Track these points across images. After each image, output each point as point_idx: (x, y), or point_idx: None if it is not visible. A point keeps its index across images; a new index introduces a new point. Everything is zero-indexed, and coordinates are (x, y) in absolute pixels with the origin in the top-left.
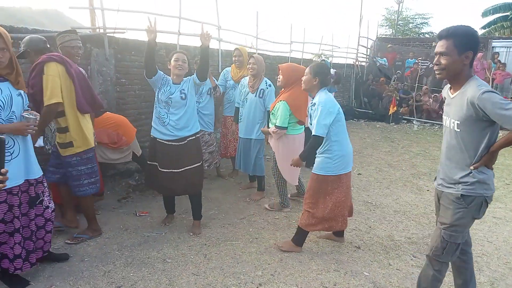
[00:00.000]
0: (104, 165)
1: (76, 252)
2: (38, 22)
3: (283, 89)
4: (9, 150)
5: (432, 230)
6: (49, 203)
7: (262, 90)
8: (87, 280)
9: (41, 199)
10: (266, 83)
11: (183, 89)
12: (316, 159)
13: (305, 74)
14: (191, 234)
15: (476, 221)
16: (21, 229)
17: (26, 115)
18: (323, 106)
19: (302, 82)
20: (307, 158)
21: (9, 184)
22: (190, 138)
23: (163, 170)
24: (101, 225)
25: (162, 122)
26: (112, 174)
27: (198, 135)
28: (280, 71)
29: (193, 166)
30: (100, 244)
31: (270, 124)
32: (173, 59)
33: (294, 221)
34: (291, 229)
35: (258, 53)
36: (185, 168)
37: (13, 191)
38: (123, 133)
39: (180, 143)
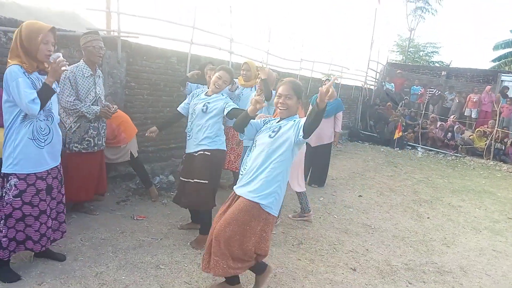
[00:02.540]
0: (107, 165)
1: (70, 251)
2: (54, 23)
3: None
4: (45, 137)
5: (430, 258)
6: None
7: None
8: (79, 279)
9: (55, 187)
10: (271, 92)
11: (209, 102)
12: None
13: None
14: (189, 245)
15: (475, 251)
16: (48, 212)
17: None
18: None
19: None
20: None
21: (37, 169)
22: (201, 152)
23: (181, 178)
24: (97, 226)
25: (188, 136)
26: (113, 176)
27: (210, 153)
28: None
29: (198, 181)
30: (95, 244)
31: None
32: (216, 74)
33: (291, 237)
34: (287, 245)
35: (269, 68)
36: (194, 180)
37: (43, 176)
38: (123, 130)
39: (195, 154)
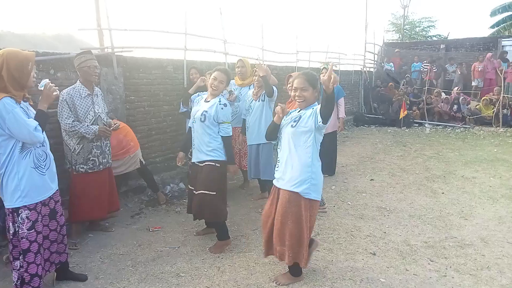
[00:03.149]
0: (117, 181)
1: (90, 270)
2: (52, 46)
3: (290, 99)
4: (44, 163)
5: (449, 233)
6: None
7: (264, 94)
8: None
9: (59, 211)
10: (272, 88)
11: (206, 111)
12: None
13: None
14: (208, 250)
15: (494, 221)
16: (53, 236)
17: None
18: None
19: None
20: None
21: (44, 196)
22: (208, 163)
23: (189, 186)
24: (114, 242)
25: (192, 145)
26: (124, 190)
27: (220, 165)
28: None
29: (206, 192)
30: (114, 261)
31: None
32: (212, 76)
33: None
34: None
35: (265, 64)
36: (199, 191)
37: (46, 202)
38: (131, 139)
39: (200, 164)
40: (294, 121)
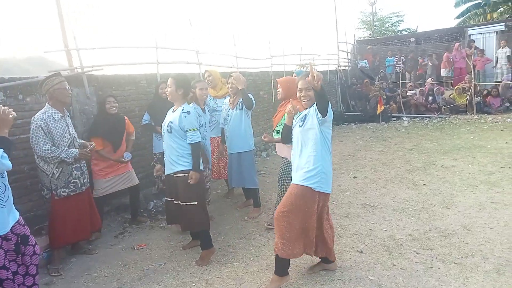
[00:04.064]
0: (99, 201)
1: None
2: (24, 70)
3: (282, 102)
4: (4, 195)
5: (433, 223)
6: (35, 245)
7: (241, 102)
8: None
9: (29, 239)
10: (251, 100)
11: (172, 122)
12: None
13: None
14: (195, 264)
15: (475, 208)
16: (19, 269)
17: None
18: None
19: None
20: None
21: (5, 230)
22: (180, 175)
23: (166, 198)
24: (99, 264)
25: (164, 155)
26: (107, 210)
27: (186, 174)
28: (279, 85)
29: (189, 203)
30: (99, 283)
31: (276, 134)
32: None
33: None
34: None
35: (240, 71)
36: (184, 203)
37: (8, 237)
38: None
39: (174, 175)
40: (301, 120)
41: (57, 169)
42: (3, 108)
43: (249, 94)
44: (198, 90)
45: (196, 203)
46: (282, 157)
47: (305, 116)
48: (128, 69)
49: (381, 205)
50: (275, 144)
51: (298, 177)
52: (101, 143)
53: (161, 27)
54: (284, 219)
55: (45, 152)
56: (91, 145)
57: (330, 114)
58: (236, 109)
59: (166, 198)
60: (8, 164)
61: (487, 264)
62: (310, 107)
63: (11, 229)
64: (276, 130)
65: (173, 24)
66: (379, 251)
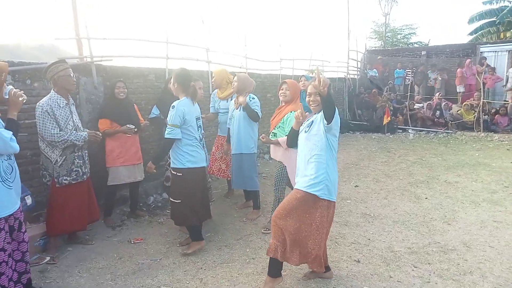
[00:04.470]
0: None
1: (68, 285)
2: (35, 57)
3: (284, 103)
4: (11, 176)
5: (433, 238)
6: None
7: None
8: None
9: (22, 226)
10: (250, 96)
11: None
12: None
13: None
14: (178, 245)
15: (476, 225)
16: (12, 253)
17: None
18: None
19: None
20: None
21: (10, 210)
22: (174, 172)
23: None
24: (94, 255)
25: None
26: (103, 202)
27: (181, 174)
28: (287, 86)
29: (172, 200)
30: (93, 275)
31: (273, 137)
32: None
33: None
34: None
35: (248, 73)
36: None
37: (6, 217)
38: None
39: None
40: (307, 127)
41: (61, 157)
42: (14, 90)
43: (255, 98)
44: (197, 89)
45: (179, 201)
46: (277, 161)
47: (312, 122)
48: (137, 61)
49: (381, 216)
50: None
51: (303, 183)
52: (108, 124)
53: (173, 22)
54: (282, 221)
55: (54, 136)
56: (97, 134)
57: (337, 122)
58: (240, 110)
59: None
60: (16, 147)
61: (486, 283)
62: (318, 112)
63: (13, 213)
64: (273, 132)
65: (184, 20)
66: (377, 262)
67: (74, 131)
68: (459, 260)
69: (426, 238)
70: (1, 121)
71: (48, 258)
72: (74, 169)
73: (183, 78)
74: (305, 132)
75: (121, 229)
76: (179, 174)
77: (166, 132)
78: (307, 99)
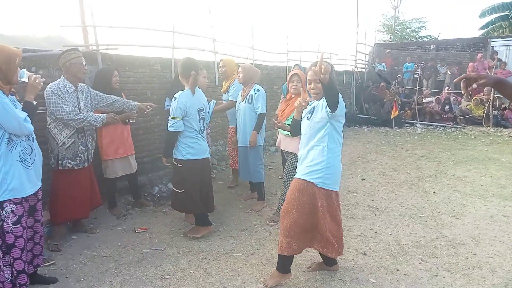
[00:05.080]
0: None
1: (72, 273)
2: (41, 47)
3: (293, 96)
4: (30, 157)
5: (441, 232)
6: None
7: (251, 96)
8: None
9: (39, 209)
10: (255, 88)
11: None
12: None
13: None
14: (183, 233)
15: (485, 220)
16: (30, 235)
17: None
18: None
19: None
20: None
21: (30, 191)
22: (175, 163)
23: None
24: (98, 243)
25: None
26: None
27: (182, 165)
28: (299, 78)
29: (174, 189)
30: (97, 263)
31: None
32: None
33: None
34: None
35: (255, 64)
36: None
37: (27, 197)
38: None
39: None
40: (309, 113)
41: (69, 139)
42: (34, 75)
43: (260, 90)
44: (202, 78)
45: (182, 191)
46: (290, 152)
47: (314, 108)
48: (142, 51)
49: (388, 209)
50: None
51: (301, 171)
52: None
53: (179, 11)
54: (289, 215)
55: (70, 114)
56: (147, 107)
57: (342, 108)
58: (245, 102)
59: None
60: (30, 127)
61: (495, 278)
62: (320, 99)
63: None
64: (286, 124)
65: (191, 9)
66: (383, 255)
67: (92, 113)
68: (467, 254)
69: (434, 232)
70: (19, 103)
71: (52, 262)
72: (79, 154)
73: (183, 68)
74: (307, 119)
75: (125, 218)
76: (180, 165)
77: (168, 125)
78: (308, 86)
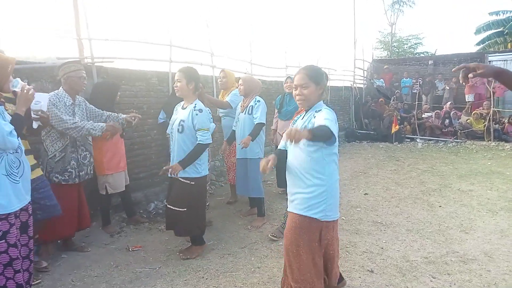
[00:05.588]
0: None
1: None
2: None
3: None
4: (18, 170)
5: (450, 247)
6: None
7: (251, 107)
8: None
9: (31, 225)
10: (256, 99)
11: (183, 120)
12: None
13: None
14: (178, 254)
15: (496, 234)
16: (25, 252)
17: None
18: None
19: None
20: None
21: (17, 206)
22: (183, 180)
23: (166, 202)
24: (89, 262)
25: (171, 156)
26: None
27: (194, 182)
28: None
29: (175, 208)
30: (87, 283)
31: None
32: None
33: None
34: None
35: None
36: (168, 206)
37: (17, 213)
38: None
39: (178, 178)
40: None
41: (60, 152)
42: (27, 87)
43: (260, 101)
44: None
45: (184, 210)
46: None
47: (305, 128)
48: (139, 64)
49: (393, 224)
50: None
51: (298, 204)
52: None
53: (177, 25)
54: (295, 259)
55: (67, 123)
56: (132, 118)
57: (336, 130)
58: (245, 113)
59: (166, 202)
60: (15, 142)
61: None
62: (310, 115)
63: (24, 208)
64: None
65: (189, 23)
66: (391, 272)
67: (91, 122)
68: (481, 271)
69: (443, 247)
70: (8, 114)
71: (38, 281)
72: (68, 169)
73: (197, 77)
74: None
75: (119, 236)
76: (192, 183)
77: (203, 137)
78: (293, 92)
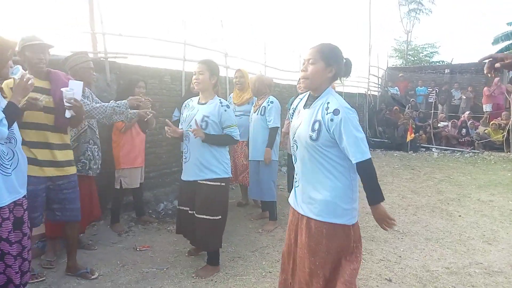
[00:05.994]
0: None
1: None
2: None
3: None
4: (10, 162)
5: (473, 258)
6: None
7: (264, 108)
8: None
9: (26, 221)
10: (269, 100)
11: (207, 116)
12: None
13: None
14: (193, 276)
15: (509, 243)
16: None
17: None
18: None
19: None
20: None
21: (7, 200)
22: (209, 183)
23: (180, 207)
24: (96, 261)
25: (185, 158)
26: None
27: (225, 183)
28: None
29: (210, 218)
30: (92, 282)
31: None
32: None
33: None
34: None
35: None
36: (201, 217)
37: (10, 207)
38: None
39: (199, 182)
40: (313, 131)
41: (73, 142)
42: (28, 75)
43: (273, 102)
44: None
45: (220, 217)
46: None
47: (319, 124)
48: (152, 61)
49: (411, 233)
50: None
51: (315, 209)
52: (121, 123)
53: (191, 24)
54: (319, 276)
55: (89, 104)
56: (147, 113)
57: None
58: (257, 114)
59: (180, 207)
60: (4, 132)
61: None
62: (316, 100)
63: (18, 202)
64: None
65: (203, 22)
66: (411, 282)
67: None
68: (508, 284)
69: (466, 258)
70: (4, 102)
71: (42, 279)
72: (82, 160)
73: (218, 71)
74: (312, 139)
75: (127, 235)
76: (223, 184)
77: (235, 133)
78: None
